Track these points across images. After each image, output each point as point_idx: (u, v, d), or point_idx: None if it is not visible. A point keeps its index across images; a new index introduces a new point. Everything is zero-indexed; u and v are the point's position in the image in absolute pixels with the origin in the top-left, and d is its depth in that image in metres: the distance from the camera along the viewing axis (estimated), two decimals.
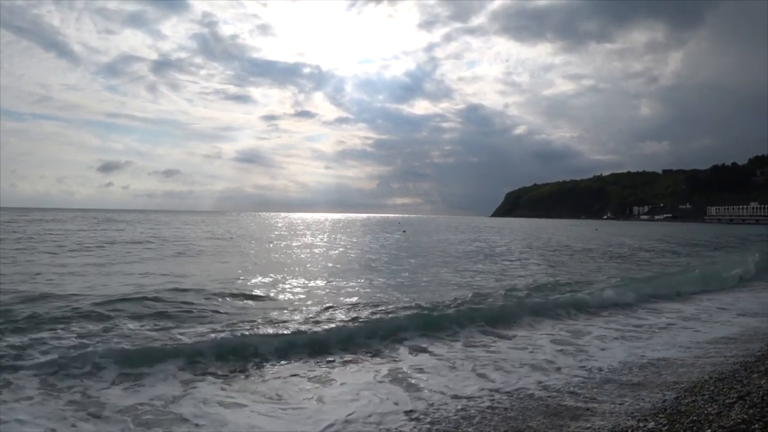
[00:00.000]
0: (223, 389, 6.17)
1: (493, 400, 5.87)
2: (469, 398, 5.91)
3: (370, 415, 5.42)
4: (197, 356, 7.07)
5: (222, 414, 5.42)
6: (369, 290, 13.10)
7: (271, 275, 15.57)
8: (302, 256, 23.67)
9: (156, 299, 10.52)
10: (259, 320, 9.12)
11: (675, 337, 9.26)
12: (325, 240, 37.64)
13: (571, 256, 26.50)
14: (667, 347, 8.45)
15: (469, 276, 16.89)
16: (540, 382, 6.51)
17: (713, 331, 9.79)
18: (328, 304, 10.88)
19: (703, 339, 9.11)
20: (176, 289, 11.74)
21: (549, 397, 5.97)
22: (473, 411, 5.51)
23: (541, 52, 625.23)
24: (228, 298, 11.22)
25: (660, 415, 5.10)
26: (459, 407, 5.60)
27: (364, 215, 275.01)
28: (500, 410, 5.54)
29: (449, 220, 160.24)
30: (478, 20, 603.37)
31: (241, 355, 7.30)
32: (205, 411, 5.45)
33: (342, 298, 11.76)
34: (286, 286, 13.55)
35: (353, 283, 14.25)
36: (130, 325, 8.42)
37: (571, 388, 6.27)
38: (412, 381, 6.55)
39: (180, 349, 7.21)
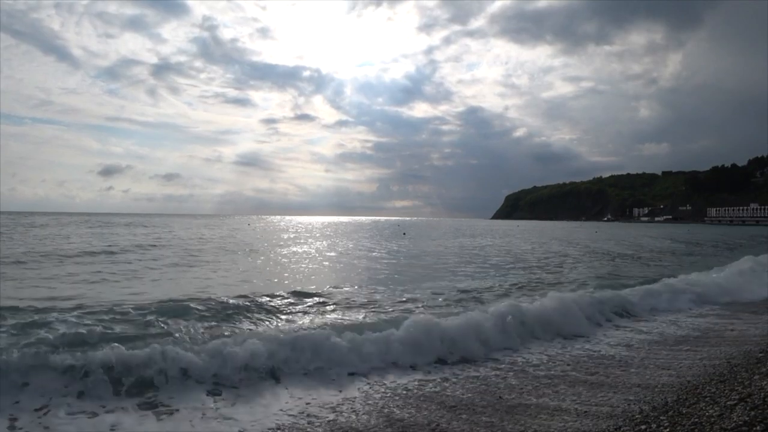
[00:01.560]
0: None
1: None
2: None
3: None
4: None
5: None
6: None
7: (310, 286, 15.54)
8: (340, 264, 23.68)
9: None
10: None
11: (621, 337, 9.42)
12: (350, 245, 37.50)
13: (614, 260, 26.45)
14: (611, 346, 8.66)
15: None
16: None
17: (661, 331, 9.94)
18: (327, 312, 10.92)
19: (647, 339, 9.27)
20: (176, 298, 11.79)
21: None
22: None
23: (541, 54, 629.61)
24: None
25: (662, 417, 5.13)
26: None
27: (365, 218, 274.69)
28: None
29: (450, 223, 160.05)
30: (477, 23, 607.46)
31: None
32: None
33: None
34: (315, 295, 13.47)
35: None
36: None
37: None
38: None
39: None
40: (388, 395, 6.22)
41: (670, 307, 12.40)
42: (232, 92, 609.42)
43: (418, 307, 11.21)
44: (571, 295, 11.68)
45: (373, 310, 10.83)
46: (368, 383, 6.68)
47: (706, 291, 14.18)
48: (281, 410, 5.71)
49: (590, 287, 14.19)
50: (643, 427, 4.94)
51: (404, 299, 12.24)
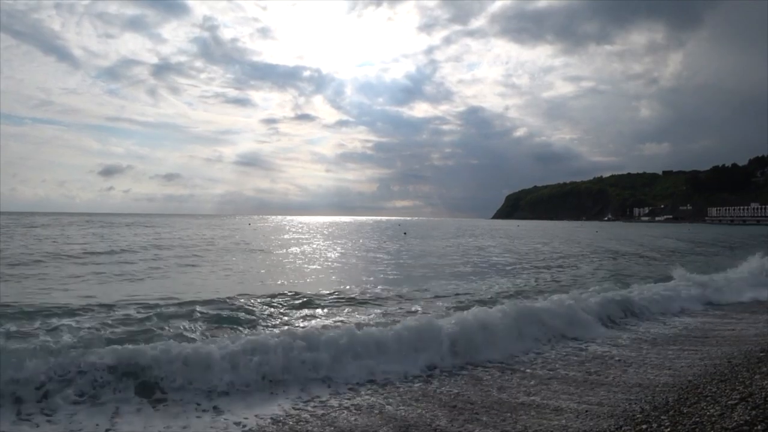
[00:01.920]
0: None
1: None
2: None
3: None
4: None
5: None
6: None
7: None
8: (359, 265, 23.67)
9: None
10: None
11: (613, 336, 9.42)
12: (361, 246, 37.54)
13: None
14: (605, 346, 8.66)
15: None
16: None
17: (661, 331, 9.93)
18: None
19: (648, 338, 9.25)
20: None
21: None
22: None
23: (541, 54, 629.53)
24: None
25: (663, 417, 5.13)
26: None
27: (366, 218, 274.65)
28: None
29: (451, 223, 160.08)
30: (478, 22, 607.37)
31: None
32: None
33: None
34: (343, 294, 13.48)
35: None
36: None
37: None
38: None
39: None
40: (387, 394, 6.21)
41: (671, 307, 12.36)
42: (233, 92, 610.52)
43: (418, 307, 11.22)
44: (573, 294, 11.64)
45: (373, 310, 10.84)
46: (367, 382, 6.66)
47: (707, 291, 14.15)
48: (278, 406, 5.73)
49: (592, 287, 14.19)
50: (644, 426, 4.93)
51: (405, 299, 12.25)
